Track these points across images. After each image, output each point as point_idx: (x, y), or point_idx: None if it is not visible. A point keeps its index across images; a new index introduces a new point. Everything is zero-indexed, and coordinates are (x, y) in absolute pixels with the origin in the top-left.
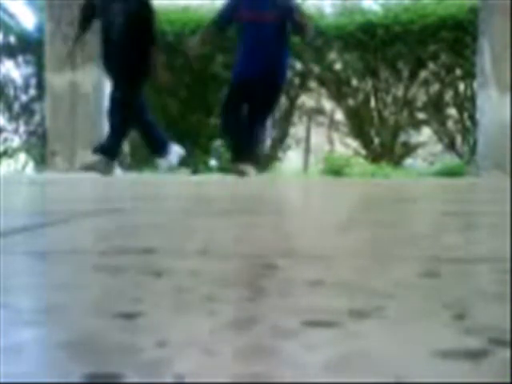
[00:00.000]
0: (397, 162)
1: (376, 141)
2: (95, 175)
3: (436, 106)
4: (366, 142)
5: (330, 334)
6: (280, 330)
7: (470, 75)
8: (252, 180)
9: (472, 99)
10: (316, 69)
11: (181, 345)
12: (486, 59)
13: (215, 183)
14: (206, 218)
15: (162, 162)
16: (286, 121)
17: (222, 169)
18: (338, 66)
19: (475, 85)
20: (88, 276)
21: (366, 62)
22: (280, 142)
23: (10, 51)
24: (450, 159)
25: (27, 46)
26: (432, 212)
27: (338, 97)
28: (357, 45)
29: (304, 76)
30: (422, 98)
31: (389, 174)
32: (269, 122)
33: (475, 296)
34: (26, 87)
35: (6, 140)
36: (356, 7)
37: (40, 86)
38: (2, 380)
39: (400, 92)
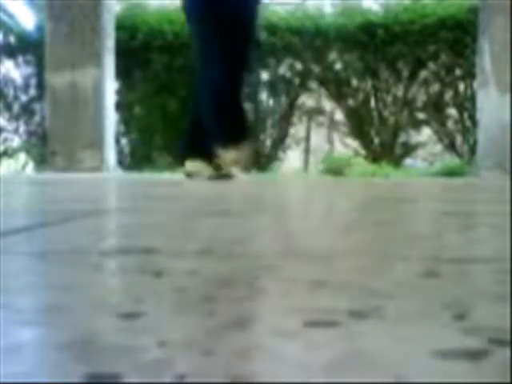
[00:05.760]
0: (397, 162)
1: (376, 141)
2: (94, 175)
3: (436, 106)
4: (366, 142)
5: (330, 334)
6: (280, 330)
7: (470, 75)
8: (252, 180)
9: (472, 99)
10: (316, 69)
11: (181, 345)
12: (485, 59)
13: (215, 182)
14: (206, 217)
15: None
16: (285, 121)
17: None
18: (338, 66)
19: (475, 85)
20: (88, 276)
21: (366, 62)
22: (280, 141)
23: (10, 51)
24: (450, 159)
25: (27, 46)
26: (432, 212)
27: (338, 97)
28: (357, 45)
29: (304, 76)
30: (421, 98)
31: (389, 173)
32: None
33: (475, 296)
34: (26, 87)
35: (6, 140)
36: (356, 7)
37: (40, 86)
38: (2, 380)
39: (400, 92)
